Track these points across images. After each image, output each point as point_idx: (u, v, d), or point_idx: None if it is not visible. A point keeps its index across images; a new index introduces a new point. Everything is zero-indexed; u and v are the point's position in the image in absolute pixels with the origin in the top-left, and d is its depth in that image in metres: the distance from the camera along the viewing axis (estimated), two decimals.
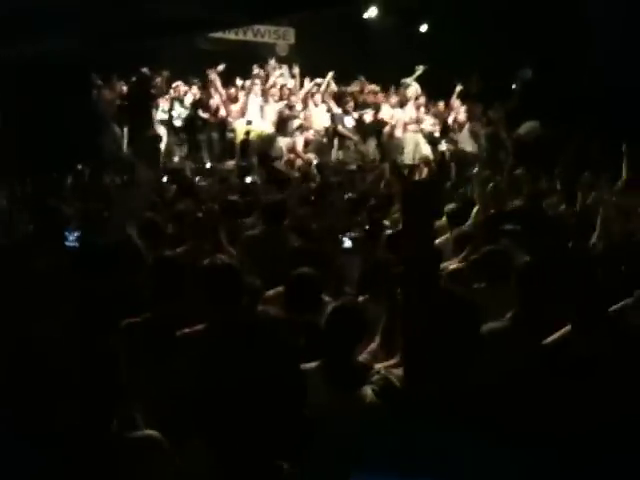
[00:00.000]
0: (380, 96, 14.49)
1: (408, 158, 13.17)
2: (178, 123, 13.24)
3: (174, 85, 13.41)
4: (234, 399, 2.48)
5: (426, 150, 13.45)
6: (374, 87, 14.53)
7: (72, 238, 3.79)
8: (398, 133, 13.66)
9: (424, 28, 15.43)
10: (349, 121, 13.77)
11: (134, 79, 12.83)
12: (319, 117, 13.66)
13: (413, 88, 14.41)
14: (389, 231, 5.95)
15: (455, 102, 14.30)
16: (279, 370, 2.50)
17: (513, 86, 14.25)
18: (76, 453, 2.44)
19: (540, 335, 3.29)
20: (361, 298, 4.46)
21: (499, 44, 13.50)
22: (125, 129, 12.63)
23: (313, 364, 3.42)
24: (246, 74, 13.92)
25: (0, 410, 2.58)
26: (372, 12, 14.65)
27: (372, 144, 13.87)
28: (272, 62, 14.62)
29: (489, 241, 4.94)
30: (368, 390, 2.44)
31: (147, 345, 3.02)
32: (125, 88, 12.98)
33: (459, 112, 14.16)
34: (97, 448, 2.46)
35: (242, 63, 14.15)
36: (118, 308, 3.84)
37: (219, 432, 2.35)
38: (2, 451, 2.47)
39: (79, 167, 9.43)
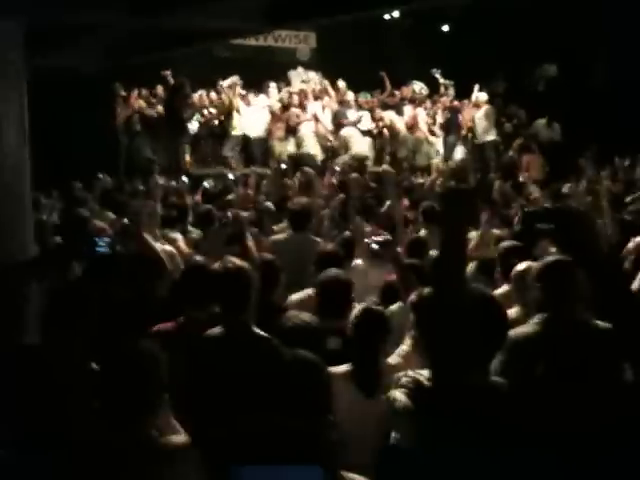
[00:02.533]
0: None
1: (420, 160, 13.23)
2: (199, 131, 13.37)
3: (198, 94, 13.49)
4: (257, 406, 2.49)
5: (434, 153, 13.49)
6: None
7: (102, 244, 3.83)
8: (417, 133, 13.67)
9: (445, 28, 15.38)
10: (352, 114, 13.74)
11: (170, 86, 12.93)
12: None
13: (418, 87, 14.34)
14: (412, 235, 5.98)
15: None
16: (304, 377, 2.51)
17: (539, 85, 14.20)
18: (115, 458, 2.47)
19: (571, 338, 3.19)
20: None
21: (521, 44, 13.45)
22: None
23: (342, 368, 3.42)
24: (268, 79, 13.97)
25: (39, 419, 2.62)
26: (393, 14, 14.58)
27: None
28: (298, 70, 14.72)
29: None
30: (397, 393, 2.43)
31: (178, 351, 3.03)
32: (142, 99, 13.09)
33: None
34: (136, 453, 2.49)
35: (263, 69, 14.21)
36: (145, 315, 3.88)
37: (243, 438, 2.36)
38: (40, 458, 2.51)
39: (100, 176, 9.51)
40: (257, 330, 3.46)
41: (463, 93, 14.13)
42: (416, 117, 13.84)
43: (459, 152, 13.66)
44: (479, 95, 13.66)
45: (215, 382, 3.27)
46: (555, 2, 12.71)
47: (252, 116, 13.34)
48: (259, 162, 13.05)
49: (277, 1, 7.65)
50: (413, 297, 3.46)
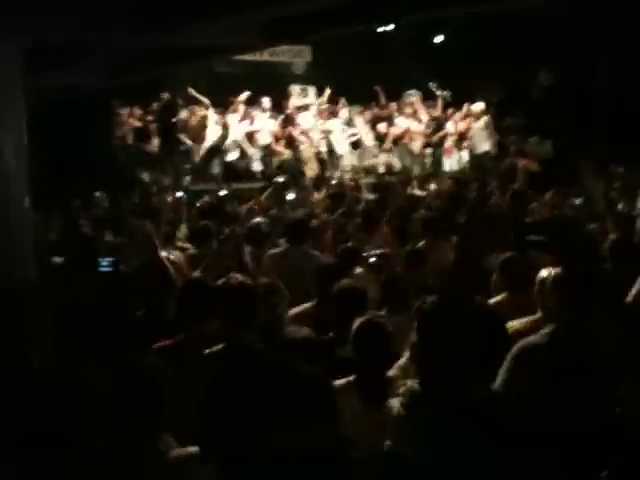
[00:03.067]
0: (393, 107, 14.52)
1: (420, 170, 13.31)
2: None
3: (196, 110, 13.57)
4: (266, 421, 2.52)
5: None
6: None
7: (105, 264, 3.88)
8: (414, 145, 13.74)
9: (439, 39, 15.48)
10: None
11: (159, 105, 13.02)
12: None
13: (413, 97, 14.44)
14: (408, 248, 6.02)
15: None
16: (312, 392, 2.54)
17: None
18: (121, 472, 2.52)
19: (580, 349, 3.16)
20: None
21: (516, 53, 13.54)
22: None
23: (344, 380, 3.45)
24: (264, 94, 14.06)
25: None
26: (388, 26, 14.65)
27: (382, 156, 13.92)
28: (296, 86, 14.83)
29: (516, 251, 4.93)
30: (395, 402, 2.48)
31: (179, 366, 3.07)
32: (142, 113, 13.18)
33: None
34: (141, 467, 2.53)
35: (262, 83, 14.29)
36: (149, 331, 3.91)
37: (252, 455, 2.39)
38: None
39: (97, 194, 9.57)
40: (261, 345, 3.49)
41: (460, 103, 14.26)
42: (409, 129, 13.95)
43: (448, 163, 13.75)
44: (475, 105, 13.76)
45: (222, 398, 3.28)
46: (552, 10, 12.81)
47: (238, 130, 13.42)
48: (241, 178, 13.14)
49: (275, 19, 7.72)
50: (419, 303, 3.47)
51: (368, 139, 14.07)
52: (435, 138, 13.95)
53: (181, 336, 3.81)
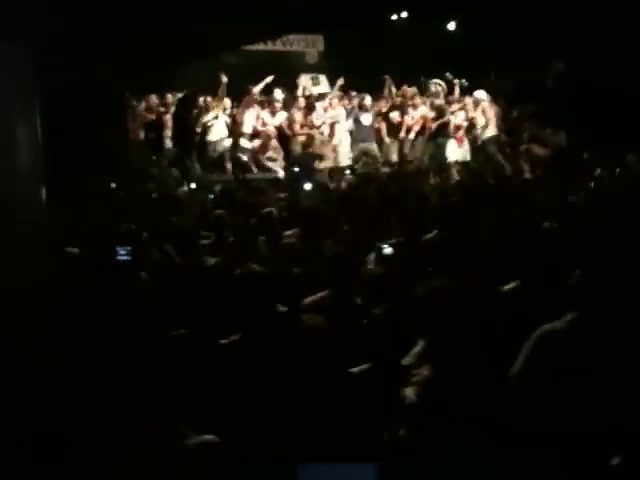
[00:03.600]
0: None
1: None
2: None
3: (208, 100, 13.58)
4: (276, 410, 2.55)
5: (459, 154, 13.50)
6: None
7: (123, 253, 3.90)
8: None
9: (452, 27, 15.40)
10: (367, 119, 13.79)
11: (175, 98, 13.03)
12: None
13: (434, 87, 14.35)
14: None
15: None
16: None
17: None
18: (137, 459, 2.55)
19: (601, 336, 3.08)
20: None
21: (528, 41, 13.45)
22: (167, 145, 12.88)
23: (358, 368, 3.49)
24: (277, 84, 14.03)
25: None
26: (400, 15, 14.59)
27: (392, 147, 13.87)
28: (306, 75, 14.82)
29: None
30: (409, 391, 2.49)
31: (193, 355, 3.10)
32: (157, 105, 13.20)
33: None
34: (158, 454, 2.56)
35: (273, 74, 14.27)
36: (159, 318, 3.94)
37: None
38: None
39: (113, 185, 9.61)
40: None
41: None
42: (422, 118, 13.89)
43: (453, 152, 13.67)
44: (476, 93, 13.72)
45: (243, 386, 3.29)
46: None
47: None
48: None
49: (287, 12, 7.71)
50: (420, 290, 3.48)
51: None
52: (451, 127, 13.86)
53: (195, 326, 3.84)
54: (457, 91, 14.10)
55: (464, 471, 2.24)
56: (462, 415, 2.27)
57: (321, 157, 13.11)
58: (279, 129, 13.44)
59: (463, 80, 14.21)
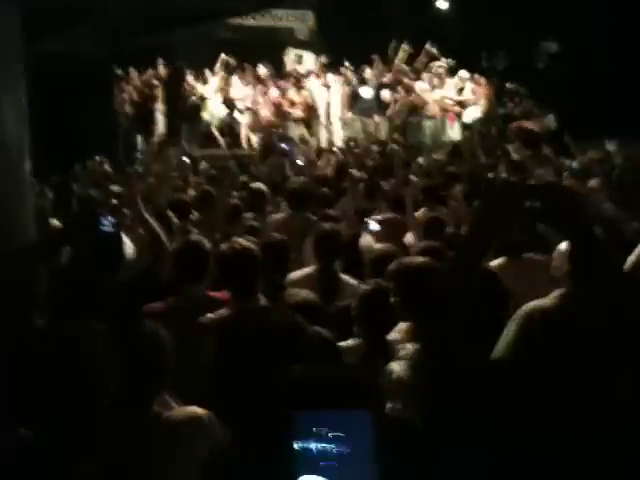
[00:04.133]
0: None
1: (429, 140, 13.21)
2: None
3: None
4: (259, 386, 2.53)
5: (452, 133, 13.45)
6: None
7: (107, 223, 3.84)
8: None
9: (445, 5, 15.31)
10: (367, 92, 13.67)
11: (166, 71, 12.94)
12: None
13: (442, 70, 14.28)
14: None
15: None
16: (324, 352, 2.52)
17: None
18: (119, 433, 2.53)
19: (593, 314, 2.83)
20: None
21: (522, 19, 13.40)
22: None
23: (349, 342, 3.51)
24: (266, 60, 13.95)
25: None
26: None
27: (383, 123, 13.80)
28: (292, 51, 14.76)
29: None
30: (396, 366, 2.48)
31: (173, 329, 3.07)
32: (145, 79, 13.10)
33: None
34: (140, 428, 2.55)
35: (262, 49, 14.17)
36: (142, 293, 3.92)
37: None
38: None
39: (97, 158, 9.54)
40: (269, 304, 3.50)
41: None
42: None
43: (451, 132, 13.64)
44: (460, 72, 13.71)
45: (238, 358, 3.27)
46: None
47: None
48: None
49: None
50: (394, 266, 3.42)
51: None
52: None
53: (171, 299, 3.82)
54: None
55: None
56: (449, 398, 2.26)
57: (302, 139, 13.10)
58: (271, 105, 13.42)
59: (449, 60, 14.17)
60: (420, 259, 3.39)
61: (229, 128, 13.47)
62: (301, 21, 15.55)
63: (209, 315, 3.47)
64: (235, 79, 13.62)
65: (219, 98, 13.35)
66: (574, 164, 8.65)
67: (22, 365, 3.03)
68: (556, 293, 3.00)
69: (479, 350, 2.47)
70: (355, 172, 8.23)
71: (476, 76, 14.02)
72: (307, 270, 4.69)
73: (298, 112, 13.49)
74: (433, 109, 13.63)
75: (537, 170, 8.06)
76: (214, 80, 13.32)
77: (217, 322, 3.47)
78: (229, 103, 13.43)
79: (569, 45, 13.72)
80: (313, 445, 1.84)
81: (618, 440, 2.54)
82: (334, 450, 1.84)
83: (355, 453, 1.84)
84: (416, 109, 13.61)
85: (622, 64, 12.18)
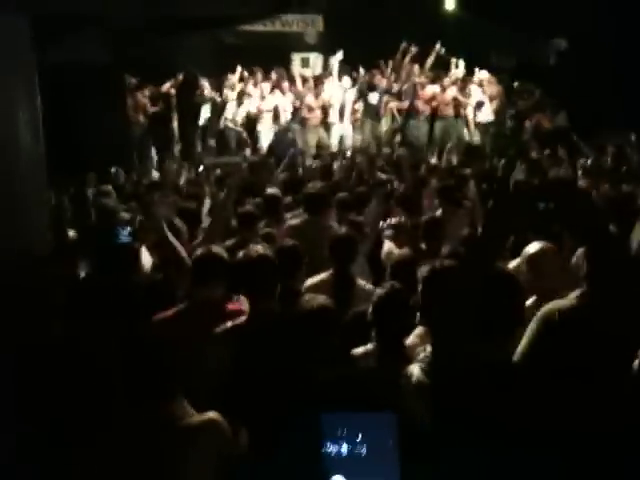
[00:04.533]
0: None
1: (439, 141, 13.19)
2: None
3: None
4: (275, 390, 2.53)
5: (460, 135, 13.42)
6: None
7: (124, 234, 3.87)
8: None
9: (452, 5, 15.29)
10: (374, 97, 13.69)
11: (176, 80, 13.00)
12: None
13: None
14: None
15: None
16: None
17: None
18: (131, 435, 2.54)
19: (612, 316, 2.86)
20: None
21: (531, 17, 13.34)
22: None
23: (362, 349, 3.49)
24: (275, 65, 13.99)
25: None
26: None
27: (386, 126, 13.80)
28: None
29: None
30: (415, 369, 2.47)
31: (184, 334, 3.08)
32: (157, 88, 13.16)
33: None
34: (151, 431, 2.56)
35: (271, 55, 14.20)
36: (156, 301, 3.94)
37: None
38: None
39: (113, 170, 9.58)
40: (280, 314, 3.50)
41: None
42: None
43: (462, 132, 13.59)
44: (478, 72, 13.70)
45: (256, 364, 3.27)
46: None
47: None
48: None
49: None
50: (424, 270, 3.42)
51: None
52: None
53: (183, 305, 3.83)
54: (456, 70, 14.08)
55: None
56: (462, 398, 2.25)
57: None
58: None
59: (460, 60, 14.16)
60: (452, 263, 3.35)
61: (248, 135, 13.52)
62: (310, 26, 15.58)
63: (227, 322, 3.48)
64: (251, 87, 13.68)
65: (239, 106, 13.42)
66: (589, 162, 8.63)
67: (36, 371, 3.05)
68: (574, 294, 3.01)
69: (494, 351, 2.46)
70: (381, 175, 8.26)
71: (487, 75, 14.02)
72: (322, 275, 4.68)
73: (316, 117, 13.52)
74: (446, 110, 13.62)
75: (553, 169, 8.04)
76: (231, 91, 13.39)
77: (234, 328, 3.48)
78: (253, 113, 13.48)
79: (576, 43, 13.66)
80: (340, 446, 1.86)
81: (621, 440, 2.55)
82: (360, 451, 1.85)
83: (380, 454, 1.85)
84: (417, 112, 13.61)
85: (628, 61, 12.12)
